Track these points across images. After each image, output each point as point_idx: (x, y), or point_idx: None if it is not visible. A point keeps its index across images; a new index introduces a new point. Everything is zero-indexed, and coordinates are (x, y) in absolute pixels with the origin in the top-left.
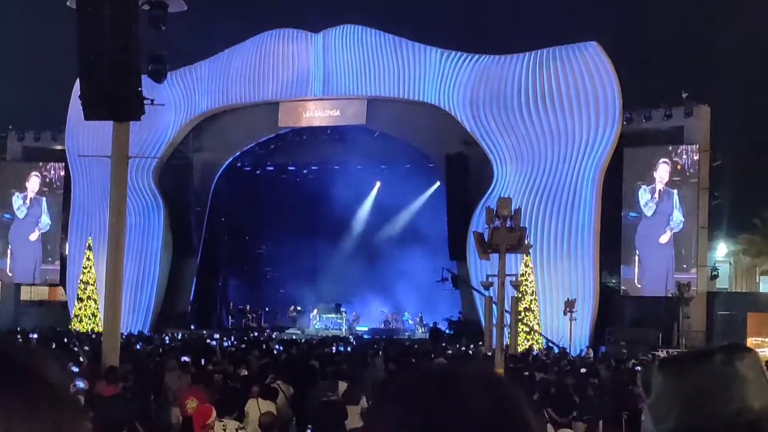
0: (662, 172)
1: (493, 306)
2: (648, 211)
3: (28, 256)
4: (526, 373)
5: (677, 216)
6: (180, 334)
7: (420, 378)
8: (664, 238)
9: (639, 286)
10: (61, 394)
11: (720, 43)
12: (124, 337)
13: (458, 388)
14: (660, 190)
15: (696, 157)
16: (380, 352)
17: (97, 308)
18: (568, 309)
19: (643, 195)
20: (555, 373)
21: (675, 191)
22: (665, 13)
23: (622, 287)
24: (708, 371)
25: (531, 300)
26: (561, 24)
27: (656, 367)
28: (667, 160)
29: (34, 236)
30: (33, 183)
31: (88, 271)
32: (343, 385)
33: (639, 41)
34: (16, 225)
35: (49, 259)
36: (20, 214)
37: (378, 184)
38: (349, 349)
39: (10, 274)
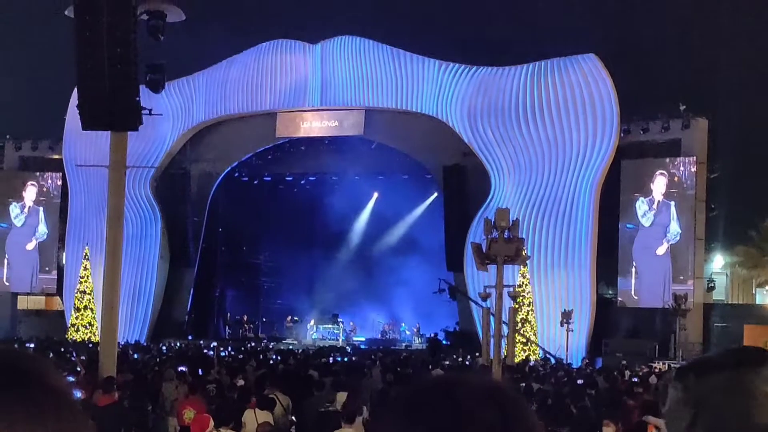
0: (659, 184)
1: (491, 317)
2: (645, 223)
3: (25, 265)
4: (524, 384)
5: (674, 228)
6: (177, 344)
7: (422, 389)
8: (661, 250)
9: (636, 297)
10: (64, 400)
11: (718, 55)
12: (121, 346)
13: (461, 398)
14: (657, 202)
15: (693, 169)
16: (377, 363)
17: (94, 318)
18: (565, 320)
19: (641, 206)
20: (552, 384)
21: (672, 203)
22: (663, 26)
23: (619, 298)
24: (722, 382)
25: (528, 311)
26: (559, 36)
27: (672, 376)
28: (664, 172)
29: (31, 245)
30: (30, 192)
31: (85, 281)
32: (341, 396)
33: (637, 53)
34: (13, 234)
35: (46, 268)
36: (17, 223)
37: (375, 194)
38: (345, 359)
39: (7, 284)
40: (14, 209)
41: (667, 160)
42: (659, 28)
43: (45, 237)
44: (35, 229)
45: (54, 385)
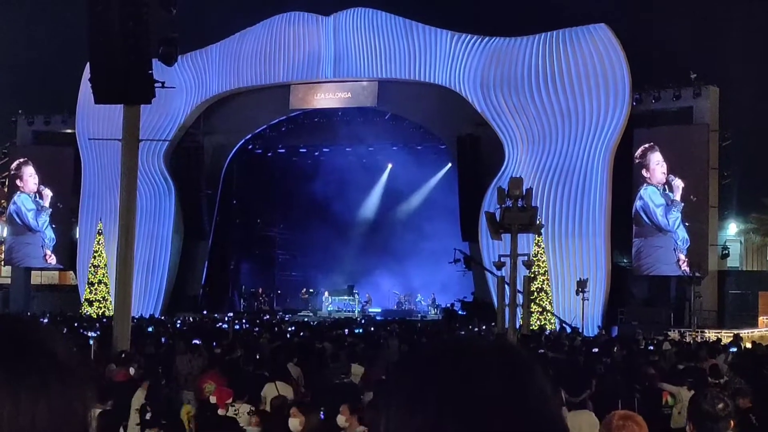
0: (656, 158)
1: (506, 286)
2: (658, 191)
3: (39, 239)
4: (541, 351)
5: (687, 196)
6: (191, 318)
7: (431, 350)
8: (675, 218)
9: (651, 265)
10: (68, 369)
11: (728, 22)
12: (135, 320)
13: (471, 358)
14: (668, 171)
15: (705, 137)
16: (394, 333)
17: (108, 292)
18: (580, 289)
19: (654, 175)
20: (567, 352)
21: (685, 171)
22: None
23: (635, 264)
24: None
25: (543, 280)
26: (570, 6)
27: None
28: (653, 144)
29: (44, 220)
30: (43, 167)
31: (99, 255)
32: (356, 368)
33: (647, 22)
34: (26, 208)
35: (60, 243)
36: (31, 197)
37: (389, 165)
38: (361, 331)
39: (21, 258)
40: (28, 183)
41: (679, 128)
42: None
43: (58, 211)
44: (49, 203)
45: (59, 354)
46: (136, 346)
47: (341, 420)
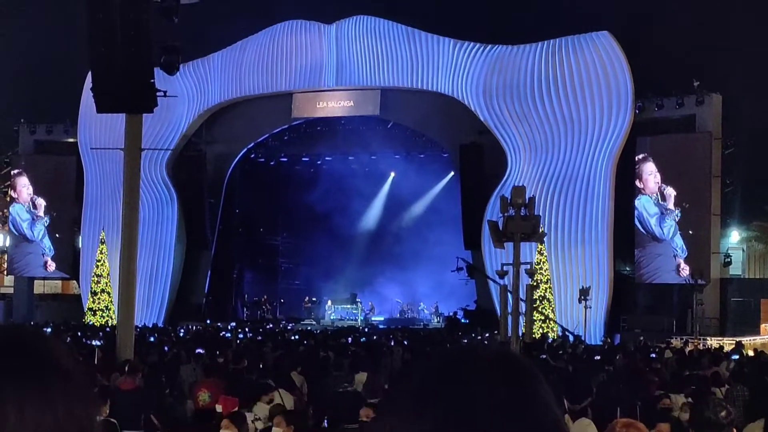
0: (648, 169)
1: (508, 294)
2: (652, 200)
3: (39, 248)
4: (544, 356)
5: (689, 204)
6: (195, 327)
7: (436, 358)
8: (670, 226)
9: (652, 273)
10: (73, 381)
11: (731, 30)
12: (138, 330)
13: (474, 365)
14: (668, 180)
15: (708, 145)
16: (398, 342)
17: (111, 301)
18: (582, 297)
19: (646, 185)
20: (570, 360)
21: (687, 179)
22: (676, 1)
23: (636, 274)
24: None
25: (546, 288)
26: (573, 13)
27: None
28: (645, 155)
29: (40, 229)
30: (45, 176)
31: (102, 264)
32: (360, 376)
33: (650, 30)
34: (21, 218)
35: (63, 252)
36: (25, 207)
37: (392, 174)
38: (364, 339)
39: (22, 268)
40: (29, 192)
41: (682, 135)
42: (672, 3)
43: (61, 220)
44: (51, 212)
45: (64, 365)
46: (139, 355)
47: None
